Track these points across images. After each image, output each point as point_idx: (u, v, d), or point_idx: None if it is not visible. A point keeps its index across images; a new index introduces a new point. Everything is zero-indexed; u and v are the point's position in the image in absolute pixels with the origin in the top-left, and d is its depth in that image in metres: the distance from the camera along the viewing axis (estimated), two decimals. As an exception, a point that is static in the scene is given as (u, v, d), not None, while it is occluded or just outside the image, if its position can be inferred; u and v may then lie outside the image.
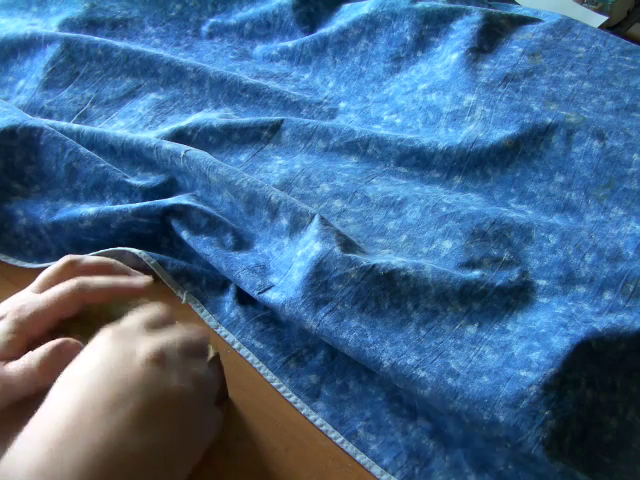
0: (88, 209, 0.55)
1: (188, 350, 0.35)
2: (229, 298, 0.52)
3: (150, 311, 0.37)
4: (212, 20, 0.79)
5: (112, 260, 0.44)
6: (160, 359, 0.33)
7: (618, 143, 0.57)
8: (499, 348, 0.46)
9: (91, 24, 0.77)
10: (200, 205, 0.55)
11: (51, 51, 0.71)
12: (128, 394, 0.31)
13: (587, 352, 0.44)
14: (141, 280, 0.41)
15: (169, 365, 0.33)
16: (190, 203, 0.55)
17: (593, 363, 0.45)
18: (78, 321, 0.40)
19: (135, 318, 0.36)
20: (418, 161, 0.61)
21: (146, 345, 0.34)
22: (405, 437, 0.45)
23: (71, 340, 0.37)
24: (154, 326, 0.36)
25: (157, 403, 0.32)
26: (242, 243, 0.54)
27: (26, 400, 0.36)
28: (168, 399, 0.33)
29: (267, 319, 0.51)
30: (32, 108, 0.68)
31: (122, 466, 0.30)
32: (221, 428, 0.39)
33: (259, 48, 0.76)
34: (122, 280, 0.41)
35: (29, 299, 0.39)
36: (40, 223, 0.55)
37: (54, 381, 0.33)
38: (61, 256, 0.43)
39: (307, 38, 0.74)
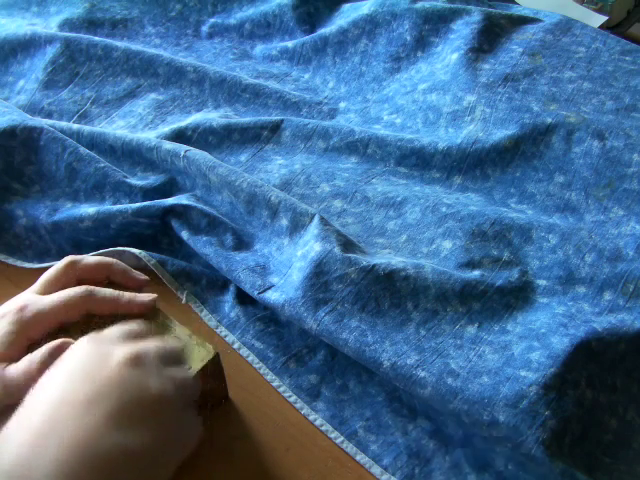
0: (88, 209, 0.55)
1: (165, 357, 0.37)
2: (229, 298, 0.52)
3: (130, 324, 0.39)
4: (212, 20, 0.79)
5: (112, 260, 0.44)
6: (136, 361, 0.34)
7: (618, 143, 0.57)
8: (499, 348, 0.46)
9: (91, 24, 0.77)
10: (200, 205, 0.55)
11: (51, 51, 0.71)
12: (104, 394, 0.32)
13: (587, 352, 0.44)
14: (145, 298, 0.42)
15: (145, 368, 0.34)
16: (190, 203, 0.55)
17: (593, 363, 0.45)
18: (79, 322, 0.40)
19: (115, 328, 0.38)
20: (418, 161, 0.61)
21: (123, 349, 0.35)
22: (405, 437, 0.45)
23: (70, 341, 0.37)
24: (132, 337, 0.37)
25: (133, 404, 0.33)
26: (242, 243, 0.54)
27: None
28: (144, 401, 0.33)
29: (267, 319, 0.51)
30: (32, 108, 0.68)
31: (98, 462, 0.31)
32: (200, 437, 0.38)
33: (259, 48, 0.76)
34: (127, 295, 0.41)
35: (32, 300, 0.39)
36: (40, 223, 0.55)
37: None
38: (61, 256, 0.43)
39: (307, 38, 0.74)
